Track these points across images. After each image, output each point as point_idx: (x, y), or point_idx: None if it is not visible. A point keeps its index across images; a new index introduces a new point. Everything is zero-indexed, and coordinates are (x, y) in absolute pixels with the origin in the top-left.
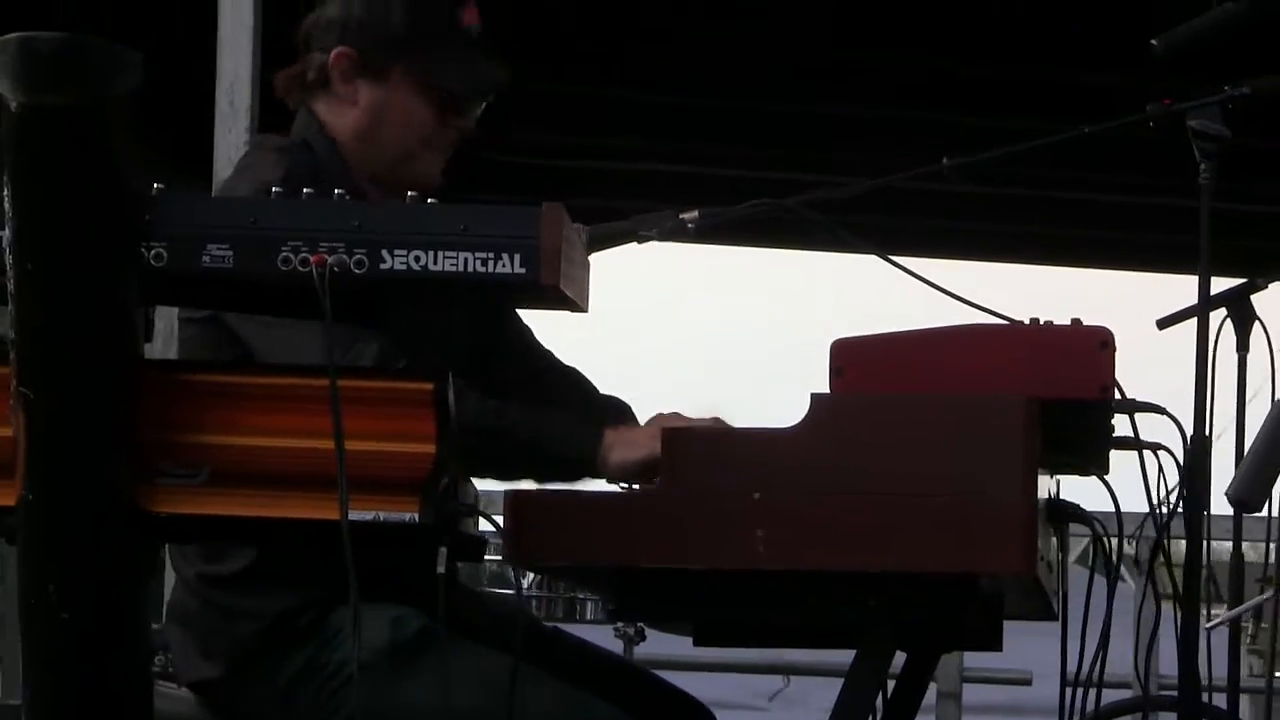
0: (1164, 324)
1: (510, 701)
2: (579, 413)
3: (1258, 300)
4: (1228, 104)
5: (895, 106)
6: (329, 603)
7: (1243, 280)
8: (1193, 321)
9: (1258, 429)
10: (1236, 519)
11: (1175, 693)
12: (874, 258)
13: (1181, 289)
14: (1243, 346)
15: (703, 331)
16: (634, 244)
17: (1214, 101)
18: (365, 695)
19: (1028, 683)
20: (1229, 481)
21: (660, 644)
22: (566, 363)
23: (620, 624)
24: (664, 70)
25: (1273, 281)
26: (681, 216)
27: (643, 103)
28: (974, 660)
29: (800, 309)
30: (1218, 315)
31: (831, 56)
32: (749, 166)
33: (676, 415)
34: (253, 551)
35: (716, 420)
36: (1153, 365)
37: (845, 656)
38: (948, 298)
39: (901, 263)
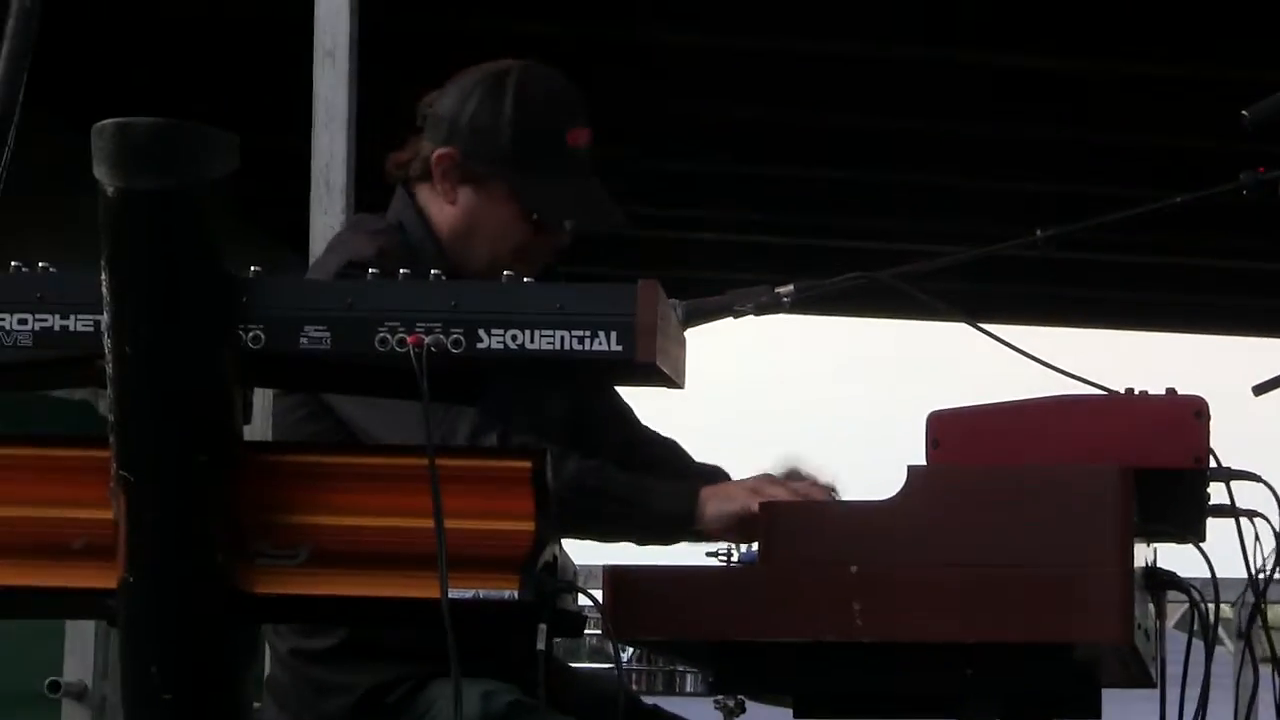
0: (1260, 390)
1: None
2: (676, 477)
3: None
4: None
5: (988, 176)
6: (421, 677)
7: None
8: None
9: None
10: None
11: None
12: (968, 326)
13: (1274, 353)
14: None
15: (796, 402)
16: (729, 318)
17: None
18: None
19: None
20: None
21: (760, 716)
22: (664, 434)
23: (720, 697)
24: (754, 141)
25: None
26: (776, 290)
27: (734, 174)
28: None
29: (895, 378)
30: None
31: (928, 127)
32: (844, 237)
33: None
34: (341, 628)
35: (817, 486)
36: (1248, 431)
37: None
38: (1042, 365)
39: (994, 331)
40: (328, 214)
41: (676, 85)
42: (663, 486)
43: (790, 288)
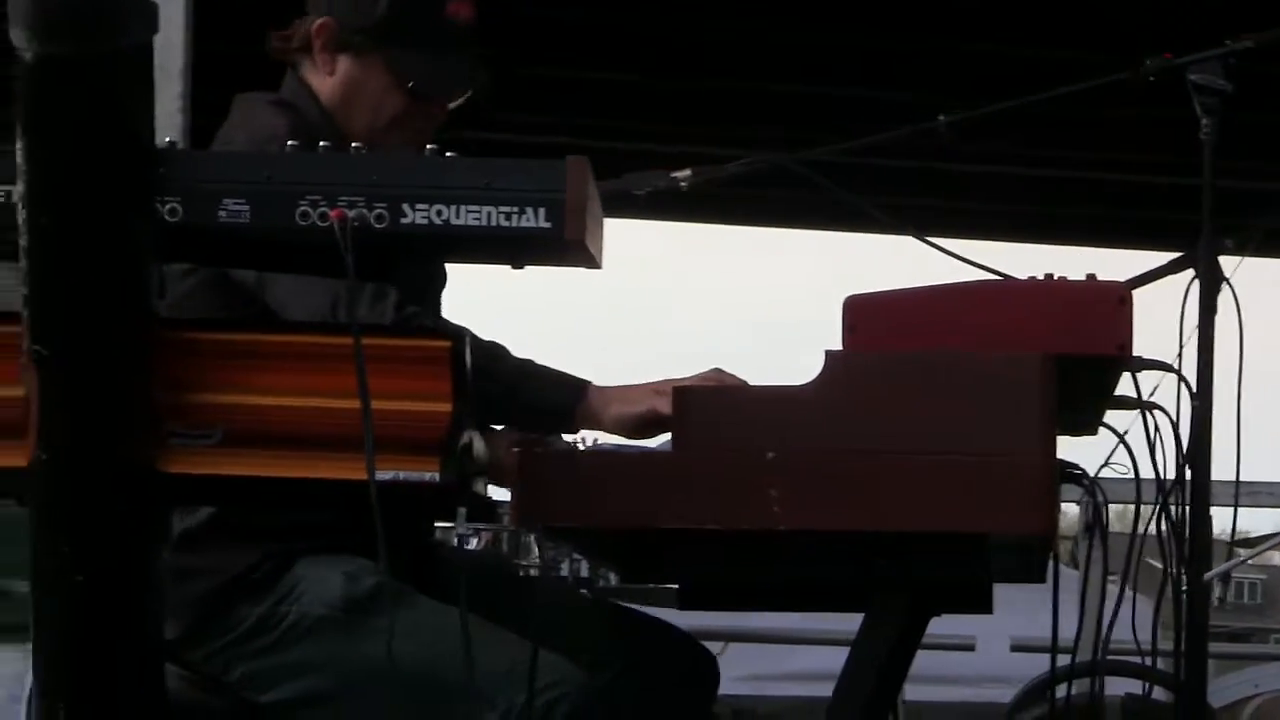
0: (1133, 285)
1: (465, 653)
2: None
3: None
4: (1229, 58)
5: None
6: (285, 555)
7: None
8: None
9: None
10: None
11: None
12: (872, 236)
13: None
14: (1210, 309)
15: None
16: (626, 213)
17: (1215, 55)
18: (320, 648)
19: (971, 648)
20: None
21: None
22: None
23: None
24: (634, 50)
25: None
26: (673, 175)
27: (617, 82)
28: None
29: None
30: (1186, 276)
31: (814, 38)
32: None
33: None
34: (207, 509)
35: (717, 371)
36: None
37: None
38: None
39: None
40: (164, 99)
41: None
42: (552, 378)
43: (688, 172)
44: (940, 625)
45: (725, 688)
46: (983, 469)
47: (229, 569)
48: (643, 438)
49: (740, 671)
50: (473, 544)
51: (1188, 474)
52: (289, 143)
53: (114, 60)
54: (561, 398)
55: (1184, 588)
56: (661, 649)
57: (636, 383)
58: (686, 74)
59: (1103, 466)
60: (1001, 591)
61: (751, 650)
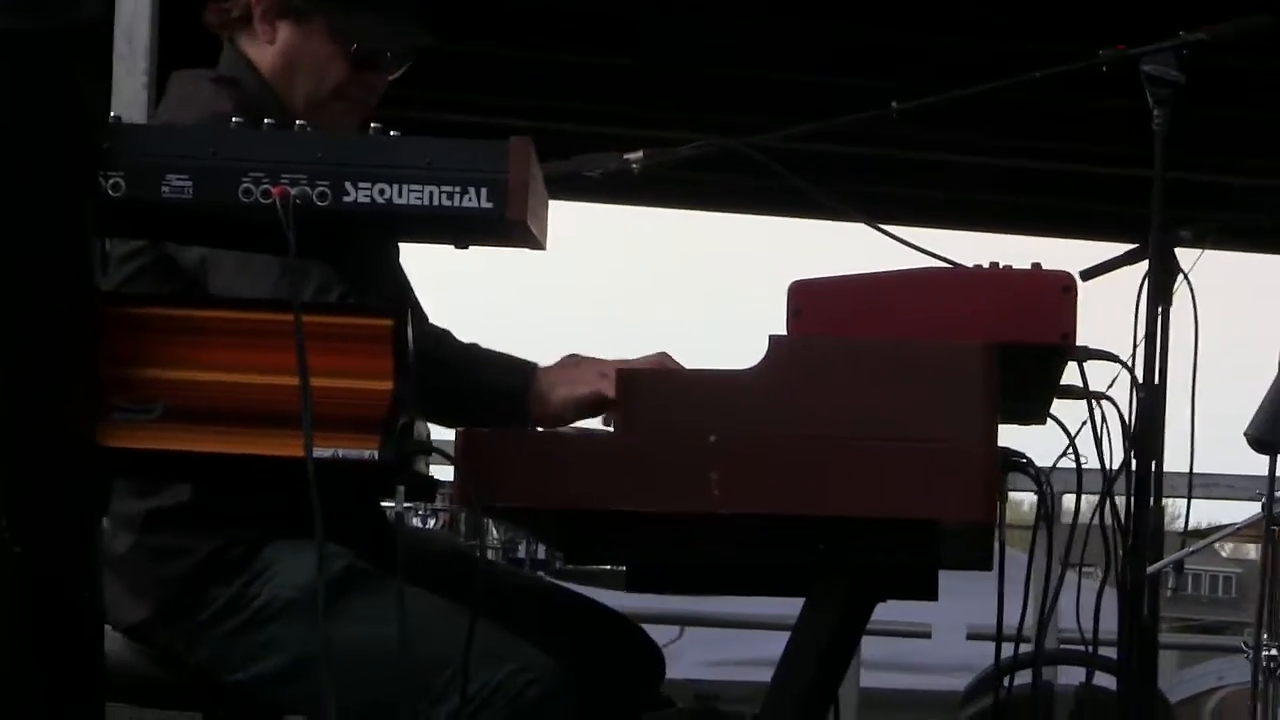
0: (1089, 275)
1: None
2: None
3: None
4: (1182, 49)
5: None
6: (259, 539)
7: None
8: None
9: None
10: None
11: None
12: (821, 222)
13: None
14: (1165, 300)
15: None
16: (577, 195)
17: (1168, 47)
18: (292, 631)
19: (927, 635)
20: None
21: None
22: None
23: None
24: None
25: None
26: (626, 157)
27: (562, 63)
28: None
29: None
30: (1141, 268)
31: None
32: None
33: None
34: (183, 490)
35: (663, 355)
36: None
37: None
38: (894, 251)
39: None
40: (131, 74)
41: None
42: (501, 364)
43: (639, 154)
44: (896, 613)
45: (688, 672)
46: (923, 455)
47: (200, 550)
48: (587, 418)
49: (704, 657)
50: (431, 524)
51: (1133, 464)
52: (234, 119)
53: (62, 35)
54: (513, 381)
55: (1128, 576)
56: (602, 630)
57: (581, 364)
58: (680, 61)
59: (1059, 458)
60: (958, 580)
61: (715, 635)
